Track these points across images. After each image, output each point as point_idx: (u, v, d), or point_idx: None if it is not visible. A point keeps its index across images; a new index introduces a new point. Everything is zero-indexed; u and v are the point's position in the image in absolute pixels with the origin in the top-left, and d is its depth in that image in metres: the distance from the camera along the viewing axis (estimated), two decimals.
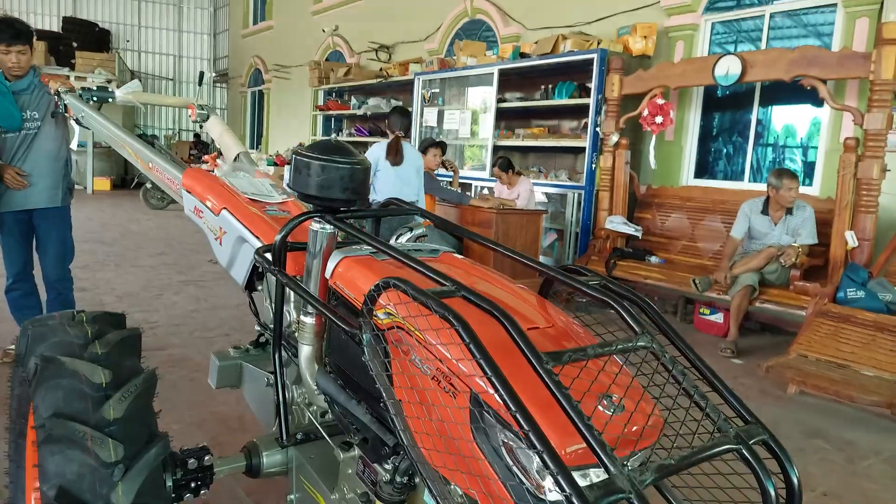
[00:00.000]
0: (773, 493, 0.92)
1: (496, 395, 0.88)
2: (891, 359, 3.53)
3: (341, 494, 1.39)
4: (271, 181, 2.19)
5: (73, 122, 3.13)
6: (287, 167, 11.08)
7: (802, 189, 5.87)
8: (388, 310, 1.17)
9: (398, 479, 1.17)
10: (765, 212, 4.85)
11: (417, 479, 1.21)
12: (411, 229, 1.64)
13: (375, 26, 11.21)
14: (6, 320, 3.78)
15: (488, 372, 0.85)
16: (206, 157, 13.46)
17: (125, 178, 16.81)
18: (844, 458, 3.06)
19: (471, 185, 7.84)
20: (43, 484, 1.15)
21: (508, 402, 0.82)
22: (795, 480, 0.98)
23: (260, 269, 1.86)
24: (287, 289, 1.68)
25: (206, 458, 1.59)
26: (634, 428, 0.99)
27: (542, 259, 6.22)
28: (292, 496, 1.65)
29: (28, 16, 17.03)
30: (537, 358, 0.89)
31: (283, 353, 1.67)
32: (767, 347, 4.90)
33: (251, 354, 2.09)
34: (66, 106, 3.05)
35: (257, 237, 1.76)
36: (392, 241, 1.61)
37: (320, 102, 12.21)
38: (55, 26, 16.74)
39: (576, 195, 6.74)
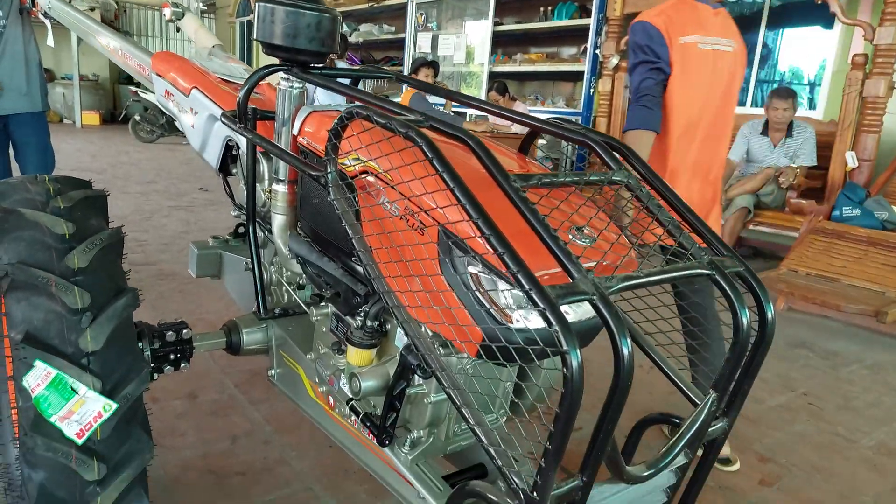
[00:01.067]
0: (745, 321, 0.90)
1: (467, 226, 0.84)
2: (881, 272, 3.52)
3: (316, 353, 1.38)
4: (244, 66, 2.11)
5: (42, 18, 3.00)
6: None
7: (806, 113, 5.77)
8: (354, 155, 1.12)
9: (369, 323, 1.15)
10: (764, 133, 4.68)
11: (388, 326, 1.19)
12: (387, 96, 1.57)
13: None
14: None
15: (449, 182, 0.81)
16: None
17: (114, 113, 16.48)
18: (828, 365, 3.09)
19: (465, 113, 7.68)
20: (11, 330, 1.14)
21: (470, 210, 0.79)
22: (770, 315, 0.95)
23: (234, 151, 1.81)
24: (260, 165, 1.63)
25: (185, 331, 1.58)
26: (606, 263, 0.96)
27: None
28: (274, 371, 1.65)
29: None
30: (504, 176, 0.85)
31: (259, 232, 1.64)
32: (758, 270, 4.91)
33: (230, 245, 2.06)
34: (32, 1, 2.92)
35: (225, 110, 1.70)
36: None
37: None
38: None
39: (574, 121, 6.62)
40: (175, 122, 2.28)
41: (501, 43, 7.64)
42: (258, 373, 2.40)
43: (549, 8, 6.98)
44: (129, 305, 1.25)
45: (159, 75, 2.00)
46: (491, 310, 0.94)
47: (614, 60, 6.02)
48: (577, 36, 6.80)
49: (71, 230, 1.25)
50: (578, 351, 0.70)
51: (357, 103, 0.99)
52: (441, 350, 1.03)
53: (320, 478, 1.80)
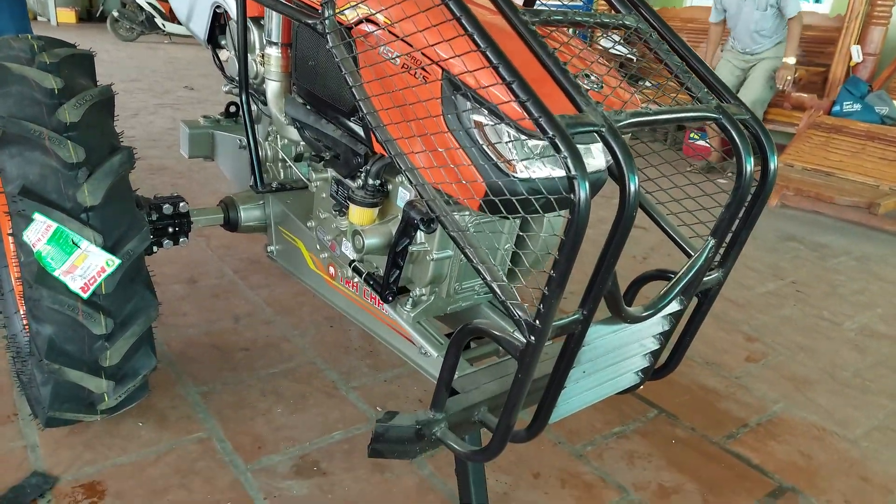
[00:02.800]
0: (748, 169, 0.90)
1: (468, 65, 0.81)
2: (877, 166, 3.52)
3: (317, 219, 1.39)
4: None
5: None
6: None
7: (810, 6, 5.56)
8: (353, 3, 1.07)
9: (370, 182, 1.14)
10: None
11: (390, 186, 1.19)
12: None
13: None
14: None
15: (456, 12, 0.77)
16: None
17: (90, 10, 15.66)
18: (817, 256, 3.15)
19: None
20: (6, 185, 1.13)
21: (479, 41, 0.76)
22: (772, 166, 0.95)
23: (222, 20, 1.73)
24: (251, 33, 1.57)
25: (182, 204, 1.57)
26: (614, 104, 0.94)
27: None
28: (272, 247, 1.66)
29: None
30: (513, 10, 0.82)
31: (253, 105, 1.59)
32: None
33: (222, 124, 2.01)
34: None
35: None
36: None
37: None
38: None
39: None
40: (155, 19, 2.17)
41: None
42: (256, 260, 2.41)
43: None
44: (124, 163, 1.23)
45: None
46: (496, 161, 0.93)
47: None
48: None
49: (59, 85, 1.21)
50: (586, 181, 0.70)
51: None
52: (445, 206, 1.03)
53: (322, 353, 1.86)
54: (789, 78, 4.15)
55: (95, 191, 1.16)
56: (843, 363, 2.13)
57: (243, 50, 1.45)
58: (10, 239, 1.65)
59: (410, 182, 0.91)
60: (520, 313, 0.78)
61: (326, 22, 0.99)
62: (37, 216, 1.12)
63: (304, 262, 1.54)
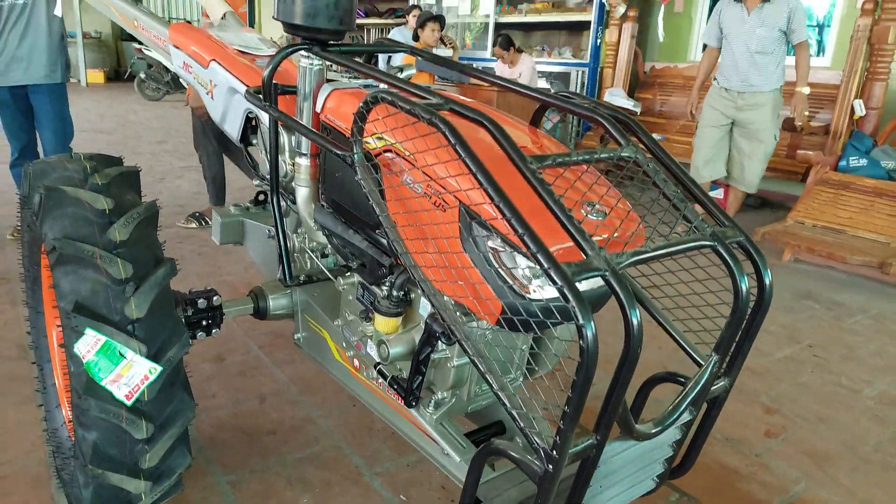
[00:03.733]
0: (744, 289, 0.97)
1: (488, 207, 0.90)
2: (887, 223, 3.56)
3: (343, 320, 1.47)
4: (259, 35, 2.13)
5: None
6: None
7: (814, 60, 5.69)
8: (378, 134, 1.18)
9: (395, 293, 1.23)
10: None
11: (413, 296, 1.27)
12: (402, 69, 1.61)
13: None
14: (14, 202, 3.83)
15: (474, 170, 0.87)
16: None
17: (118, 71, 16.33)
18: (833, 316, 3.17)
19: (471, 65, 7.60)
20: (60, 301, 1.22)
21: (493, 196, 0.85)
22: (767, 281, 1.02)
23: (254, 122, 1.86)
24: (281, 136, 1.68)
25: (215, 298, 1.66)
26: (616, 235, 1.03)
27: None
28: (299, 335, 1.74)
29: None
30: (522, 158, 0.91)
31: (282, 201, 1.70)
32: (765, 220, 4.94)
33: (251, 212, 2.13)
34: None
35: (248, 86, 1.74)
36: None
37: None
38: None
39: (580, 73, 6.55)
40: (180, 80, 2.31)
41: None
42: (280, 335, 2.50)
43: None
44: (168, 274, 1.33)
45: (177, 47, 2.03)
46: (510, 283, 1.01)
47: (621, 9, 5.92)
48: None
49: (110, 205, 1.32)
50: (593, 323, 0.77)
51: (382, 87, 1.04)
52: (463, 318, 1.11)
53: (346, 435, 1.91)
54: (806, 113, 3.85)
55: (141, 304, 1.26)
56: (863, 435, 2.14)
57: (274, 159, 1.56)
58: (55, 336, 1.76)
59: (434, 305, 0.99)
60: (537, 441, 0.85)
61: (355, 156, 1.09)
62: (88, 330, 1.21)
63: (329, 352, 1.62)
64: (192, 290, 1.70)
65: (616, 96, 5.89)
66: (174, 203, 4.59)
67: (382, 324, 1.24)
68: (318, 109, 1.42)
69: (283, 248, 1.65)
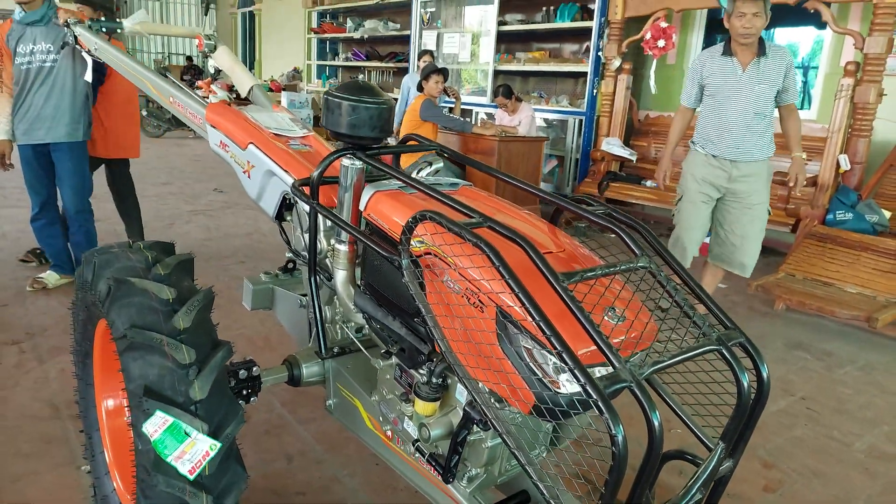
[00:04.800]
0: (745, 384, 1.12)
1: (520, 309, 1.06)
2: (872, 276, 3.75)
3: (381, 396, 1.60)
4: (290, 115, 2.30)
5: (85, 55, 3.18)
6: (284, 93, 10.98)
7: (801, 114, 5.96)
8: (420, 238, 1.33)
9: (434, 380, 1.37)
10: (727, 53, 3.27)
11: (449, 381, 1.41)
12: (430, 163, 1.77)
13: None
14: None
15: (516, 290, 1.02)
16: (199, 83, 13.27)
17: None
18: (823, 367, 3.32)
19: (472, 110, 7.86)
20: (129, 384, 1.35)
21: (532, 312, 1.00)
22: (765, 376, 1.17)
23: (289, 200, 2.01)
24: (318, 218, 1.84)
25: (254, 369, 1.79)
26: (633, 334, 1.18)
27: (542, 185, 6.36)
28: (331, 401, 1.87)
29: None
30: (555, 277, 1.06)
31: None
32: (757, 267, 5.12)
33: (281, 279, 2.26)
34: (76, 38, 3.09)
35: (286, 171, 1.90)
36: (413, 174, 1.76)
37: (314, 25, 11.92)
38: None
39: (576, 121, 6.79)
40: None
41: (504, 39, 7.79)
42: (301, 392, 2.62)
43: (552, 8, 7.11)
44: (225, 357, 1.46)
45: (214, 126, 2.19)
46: (542, 378, 1.15)
47: (616, 62, 6.19)
48: (579, 33, 6.96)
49: (173, 294, 1.46)
50: (622, 427, 0.92)
51: (429, 210, 1.20)
52: (497, 404, 1.25)
53: (371, 495, 2.02)
54: (804, 180, 3.44)
55: (204, 385, 1.39)
56: (854, 490, 2.27)
57: (313, 243, 1.71)
58: (104, 407, 1.88)
59: (471, 395, 1.13)
60: None
61: (403, 263, 1.25)
62: (157, 412, 1.34)
63: (361, 421, 1.75)
64: (233, 361, 1.83)
65: (613, 145, 6.12)
66: (185, 251, 4.70)
67: (422, 407, 1.37)
68: (361, 208, 1.57)
69: (318, 322, 1.79)
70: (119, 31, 3.07)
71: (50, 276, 3.67)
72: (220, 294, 3.89)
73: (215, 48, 3.00)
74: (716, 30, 6.57)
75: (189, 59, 16.62)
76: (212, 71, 3.11)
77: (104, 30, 3.06)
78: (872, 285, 3.70)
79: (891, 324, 3.53)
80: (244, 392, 1.79)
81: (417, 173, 1.78)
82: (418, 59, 7.12)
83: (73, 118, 3.44)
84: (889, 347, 3.61)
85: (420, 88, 5.81)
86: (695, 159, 3.51)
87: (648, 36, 5.85)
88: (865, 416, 2.83)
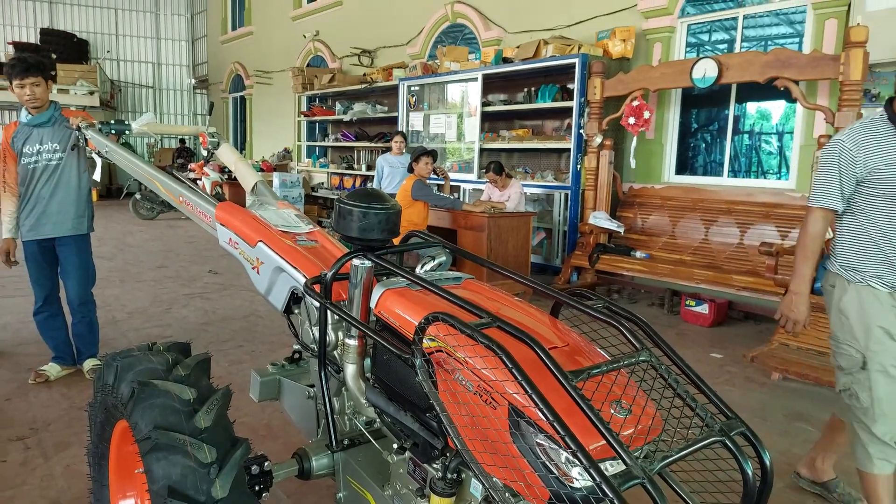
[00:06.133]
0: (750, 473, 1.18)
1: (533, 407, 1.12)
2: None
3: (394, 490, 1.63)
4: (295, 211, 2.41)
5: (94, 156, 3.31)
6: (275, 173, 11.26)
7: (777, 183, 6.22)
8: (430, 336, 1.40)
9: (449, 475, 1.40)
10: (893, 119, 2.15)
11: (464, 475, 1.45)
12: (433, 257, 1.87)
13: (356, 31, 11.40)
14: (36, 342, 3.98)
15: (529, 391, 1.09)
16: (192, 166, 13.60)
17: (110, 188, 16.85)
18: None
19: (460, 187, 8.09)
20: (152, 485, 1.38)
21: (546, 413, 1.07)
22: (768, 463, 1.23)
23: (297, 294, 2.09)
24: (328, 313, 1.91)
25: (266, 464, 1.82)
26: (640, 427, 1.24)
27: (532, 257, 6.50)
28: (341, 494, 1.88)
29: (5, 29, 16.97)
30: (564, 377, 1.14)
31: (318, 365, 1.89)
32: (751, 335, 5.21)
33: (287, 370, 2.31)
34: (86, 140, 3.23)
35: (296, 268, 1.99)
36: (418, 269, 1.84)
37: (304, 108, 12.36)
38: (33, 38, 16.69)
39: (562, 195, 7.01)
40: None
41: (488, 118, 8.13)
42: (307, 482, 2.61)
43: (533, 89, 7.48)
44: (244, 454, 1.50)
45: (223, 225, 2.29)
46: (556, 473, 1.20)
47: (598, 139, 6.47)
48: (560, 111, 7.30)
49: (194, 395, 1.51)
50: None
51: (440, 312, 1.28)
52: (512, 499, 1.29)
53: None
54: None
55: (225, 484, 1.42)
56: None
57: (322, 338, 1.78)
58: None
59: (482, 482, 1.18)
60: None
61: (416, 362, 1.32)
62: None
63: None
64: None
65: (600, 219, 6.31)
66: (184, 336, 4.72)
67: (438, 502, 1.41)
68: (371, 305, 1.65)
69: (329, 415, 1.83)
70: (127, 133, 3.23)
71: (52, 369, 3.67)
72: (222, 381, 3.89)
73: (218, 145, 3.16)
74: (690, 104, 6.93)
75: (182, 141, 17.06)
76: (204, 153, 3.25)
77: (113, 132, 3.21)
78: None
79: None
80: (256, 488, 1.80)
81: (422, 267, 1.87)
82: (392, 140, 7.54)
83: (78, 212, 3.55)
84: None
85: (410, 170, 6.02)
86: (870, 301, 2.26)
87: (627, 116, 6.15)
88: None
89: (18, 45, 15.29)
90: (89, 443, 1.93)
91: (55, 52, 15.39)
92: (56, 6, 17.77)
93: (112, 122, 3.15)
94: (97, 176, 3.39)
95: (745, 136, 7.27)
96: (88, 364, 3.74)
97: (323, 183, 12.04)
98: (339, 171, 11.32)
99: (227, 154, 3.13)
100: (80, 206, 3.56)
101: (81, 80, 14.44)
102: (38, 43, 16.06)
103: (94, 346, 3.80)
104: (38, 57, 3.55)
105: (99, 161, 3.23)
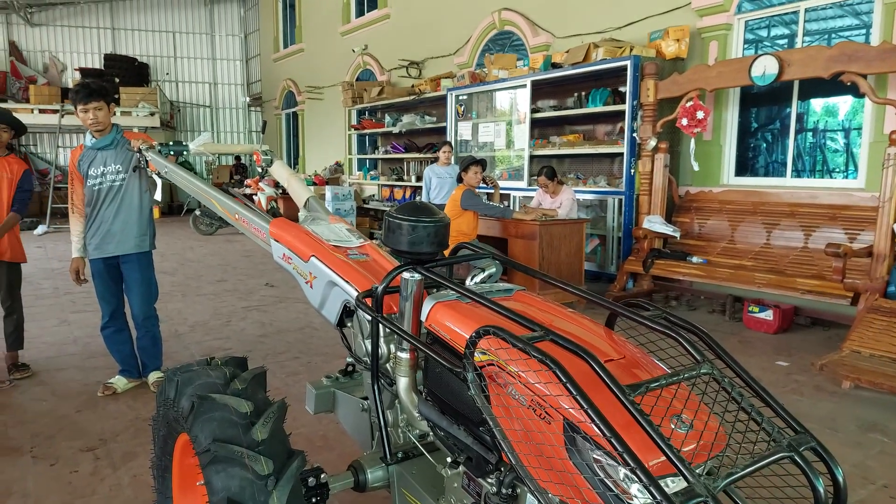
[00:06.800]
0: (822, 490, 1.11)
1: (589, 423, 1.09)
2: None
3: None
4: (347, 226, 2.43)
5: (154, 177, 3.45)
6: (328, 186, 11.49)
7: (846, 182, 5.92)
8: (482, 349, 1.39)
9: (504, 490, 1.38)
10: None
11: (518, 490, 1.42)
12: (483, 269, 1.85)
13: (404, 43, 11.53)
14: (104, 355, 4.16)
15: (585, 406, 1.06)
16: (248, 182, 14.04)
17: (171, 205, 17.56)
18: None
19: (510, 195, 8.05)
20: (212, 497, 1.41)
21: (603, 428, 1.03)
22: (841, 479, 1.15)
23: (350, 308, 2.11)
24: (380, 326, 1.92)
25: (322, 476, 1.83)
26: (703, 442, 1.19)
27: (586, 265, 6.39)
28: None
29: (71, 55, 17.96)
30: (622, 391, 1.10)
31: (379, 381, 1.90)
32: (819, 342, 4.97)
33: (341, 382, 2.33)
34: (147, 161, 3.37)
35: (348, 282, 2.01)
36: (468, 281, 1.83)
37: (354, 121, 12.57)
38: (97, 63, 17.59)
39: (616, 200, 6.88)
40: None
41: (538, 124, 8.06)
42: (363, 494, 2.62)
43: (584, 93, 7.37)
44: (300, 467, 1.52)
45: (277, 240, 2.34)
46: (614, 490, 1.17)
47: (652, 143, 6.32)
48: (612, 115, 7.17)
49: (251, 408, 1.54)
50: None
51: (492, 326, 1.26)
52: None
53: None
54: None
55: (282, 496, 1.44)
56: None
57: (375, 351, 1.78)
58: None
59: (538, 498, 1.15)
60: None
61: (468, 375, 1.30)
62: None
63: None
64: (303, 470, 1.87)
65: (655, 223, 6.15)
66: (242, 348, 4.86)
67: None
68: (422, 318, 1.65)
69: (383, 429, 1.83)
70: (185, 153, 3.35)
71: (119, 381, 3.83)
72: (278, 392, 3.98)
73: (272, 163, 3.23)
74: (750, 103, 6.68)
75: (237, 158, 17.62)
76: (259, 170, 3.33)
77: (172, 152, 3.33)
78: None
79: None
80: (313, 500, 1.82)
81: (472, 279, 1.85)
82: (439, 151, 7.53)
83: (141, 231, 3.69)
84: None
85: (460, 179, 6.02)
86: None
87: (682, 118, 5.99)
88: None
89: (84, 71, 16.16)
90: (153, 455, 1.99)
91: (118, 75, 16.20)
92: (118, 32, 18.68)
93: (171, 143, 3.28)
94: (158, 195, 3.52)
95: (809, 134, 6.96)
96: (153, 377, 3.88)
97: (374, 195, 12.21)
98: (390, 182, 11.45)
99: (279, 171, 3.20)
100: (143, 224, 3.70)
101: (143, 102, 15.13)
102: (102, 68, 16.92)
103: (158, 359, 3.94)
104: (99, 82, 3.73)
105: (159, 181, 3.36)
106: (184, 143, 3.39)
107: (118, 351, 3.87)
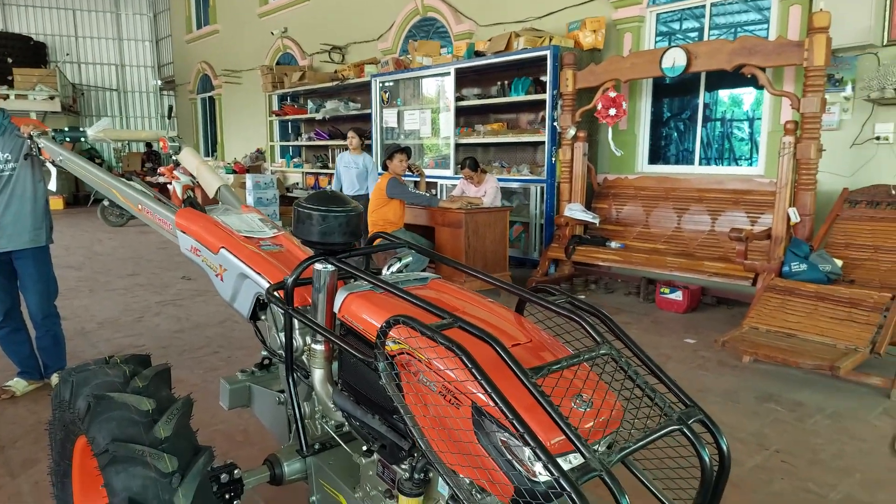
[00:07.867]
0: (707, 460, 1.19)
1: (494, 405, 1.12)
2: (831, 325, 3.90)
3: (364, 493, 1.62)
4: (259, 216, 2.37)
5: (49, 165, 3.22)
6: (248, 175, 11.13)
7: (747, 169, 6.30)
8: (394, 338, 1.39)
9: (416, 476, 1.40)
10: None
11: (431, 474, 1.44)
12: (399, 259, 1.86)
13: (326, 27, 11.29)
14: (0, 357, 3.89)
15: (488, 389, 1.09)
16: (161, 170, 13.38)
17: (77, 196, 16.49)
18: (794, 417, 3.41)
19: (436, 183, 8.08)
20: (113, 498, 1.35)
21: (506, 411, 1.06)
22: (725, 448, 1.24)
23: (262, 301, 2.06)
24: (293, 319, 1.89)
25: (235, 471, 1.79)
26: (601, 419, 1.24)
27: (509, 251, 6.51)
28: (314, 497, 1.87)
29: None
30: (524, 374, 1.13)
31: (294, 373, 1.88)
32: (724, 320, 5.29)
33: (257, 376, 2.28)
34: (39, 149, 3.15)
35: (259, 274, 1.96)
36: (384, 270, 1.83)
37: (275, 107, 12.22)
38: None
39: (538, 188, 7.03)
40: None
41: (463, 113, 8.11)
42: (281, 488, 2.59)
43: (506, 82, 7.47)
44: (207, 463, 1.48)
45: (184, 232, 2.25)
46: (520, 469, 1.20)
47: (572, 131, 6.48)
48: (534, 104, 7.31)
49: (153, 406, 1.48)
50: None
51: (402, 315, 1.27)
52: (479, 495, 1.29)
53: None
54: None
55: (187, 493, 1.40)
56: None
57: (289, 344, 1.76)
58: None
59: (447, 481, 1.17)
60: None
61: (380, 366, 1.31)
62: None
63: None
64: (213, 465, 1.83)
65: (575, 211, 6.34)
66: (157, 345, 4.66)
67: (406, 502, 1.40)
68: (335, 309, 1.64)
69: (298, 420, 1.81)
70: (83, 140, 3.16)
71: (18, 384, 3.59)
72: (197, 388, 3.84)
73: (180, 150, 3.09)
74: (662, 94, 6.98)
75: (149, 145, 16.75)
76: (172, 157, 3.18)
77: (68, 139, 3.13)
78: (832, 334, 3.85)
79: (852, 370, 3.65)
80: (227, 496, 1.78)
81: (388, 269, 1.85)
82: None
83: (35, 224, 3.43)
84: (854, 393, 3.72)
85: (385, 167, 5.98)
86: None
87: (600, 106, 6.18)
88: (839, 465, 2.90)
89: None
90: (51, 461, 1.88)
91: (11, 56, 14.98)
92: (9, 7, 17.24)
93: (66, 129, 3.09)
94: (52, 185, 3.29)
95: (717, 123, 7.35)
96: (56, 378, 3.66)
97: (298, 183, 11.94)
98: (314, 170, 11.23)
99: (188, 158, 3.06)
100: (37, 217, 3.44)
101: (40, 84, 14.07)
102: None
103: (62, 359, 3.71)
104: None
105: (54, 169, 3.15)
106: (81, 129, 3.20)
107: (15, 352, 3.61)
